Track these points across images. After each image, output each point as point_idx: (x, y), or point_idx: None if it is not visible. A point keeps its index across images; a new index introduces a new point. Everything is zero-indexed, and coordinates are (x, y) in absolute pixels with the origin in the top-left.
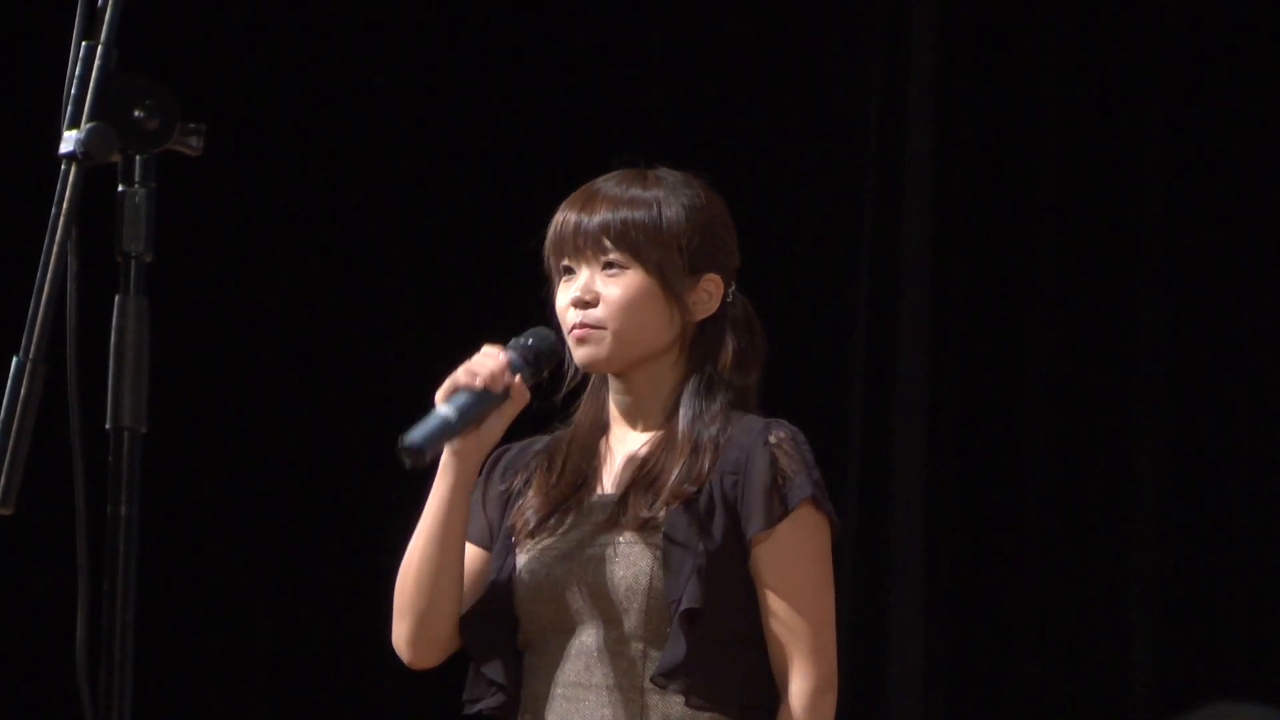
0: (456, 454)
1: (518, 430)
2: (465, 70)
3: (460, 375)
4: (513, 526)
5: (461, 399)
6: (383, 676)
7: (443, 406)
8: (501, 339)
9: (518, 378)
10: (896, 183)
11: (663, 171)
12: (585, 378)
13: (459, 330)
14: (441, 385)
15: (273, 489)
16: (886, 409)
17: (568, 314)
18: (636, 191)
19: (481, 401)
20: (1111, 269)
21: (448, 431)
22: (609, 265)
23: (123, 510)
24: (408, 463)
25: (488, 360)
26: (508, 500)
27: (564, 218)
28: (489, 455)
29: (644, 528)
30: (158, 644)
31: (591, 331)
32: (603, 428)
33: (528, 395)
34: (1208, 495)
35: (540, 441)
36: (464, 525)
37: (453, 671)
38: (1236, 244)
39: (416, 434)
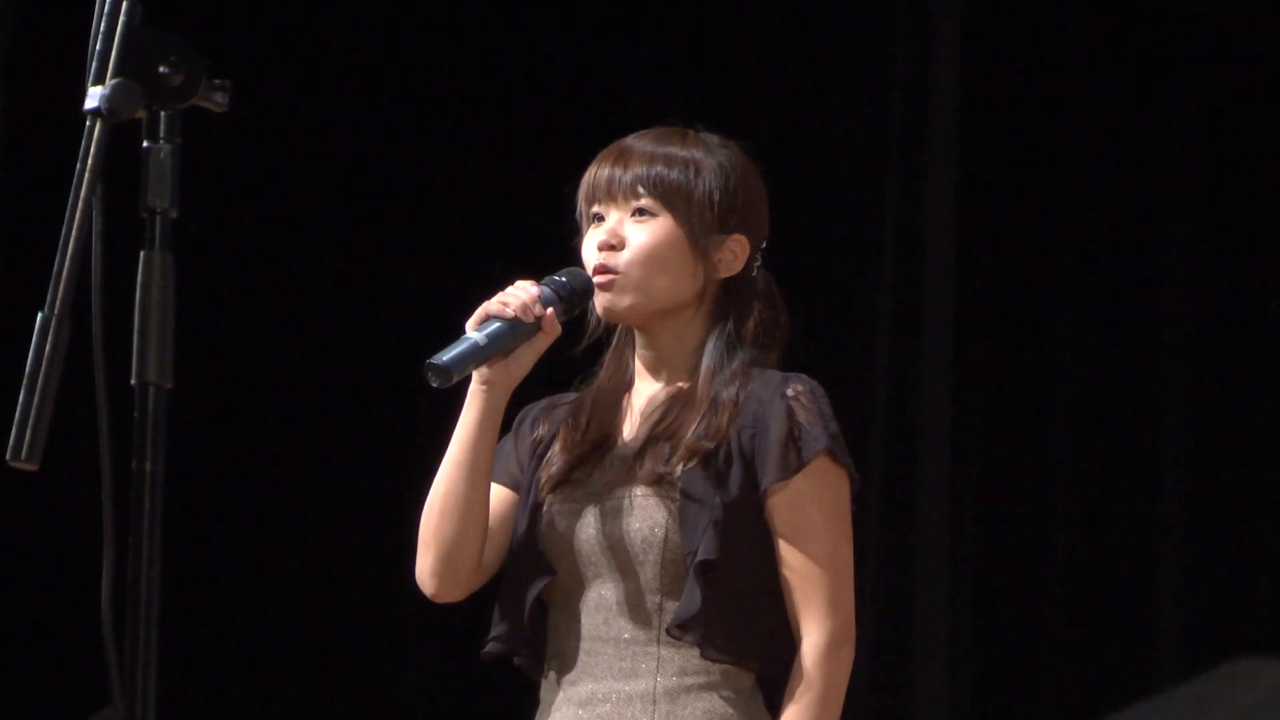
0: (485, 383)
1: (542, 389)
2: (493, 31)
3: (492, 304)
4: (538, 480)
5: (492, 326)
6: (409, 623)
7: (473, 332)
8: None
9: (550, 310)
10: (921, 147)
11: (703, 134)
12: (609, 331)
13: (486, 284)
14: (473, 314)
15: (298, 443)
16: (911, 373)
17: (592, 256)
18: (674, 149)
19: (512, 330)
20: (1135, 239)
21: (476, 355)
22: (639, 212)
23: (148, 466)
24: (435, 382)
25: (520, 291)
26: (535, 450)
27: (599, 167)
28: (517, 413)
29: (659, 482)
30: (183, 599)
31: (613, 278)
32: (627, 384)
33: (559, 328)
34: (1234, 455)
35: (567, 397)
36: (490, 457)
37: (479, 615)
38: (1265, 235)
39: (445, 354)
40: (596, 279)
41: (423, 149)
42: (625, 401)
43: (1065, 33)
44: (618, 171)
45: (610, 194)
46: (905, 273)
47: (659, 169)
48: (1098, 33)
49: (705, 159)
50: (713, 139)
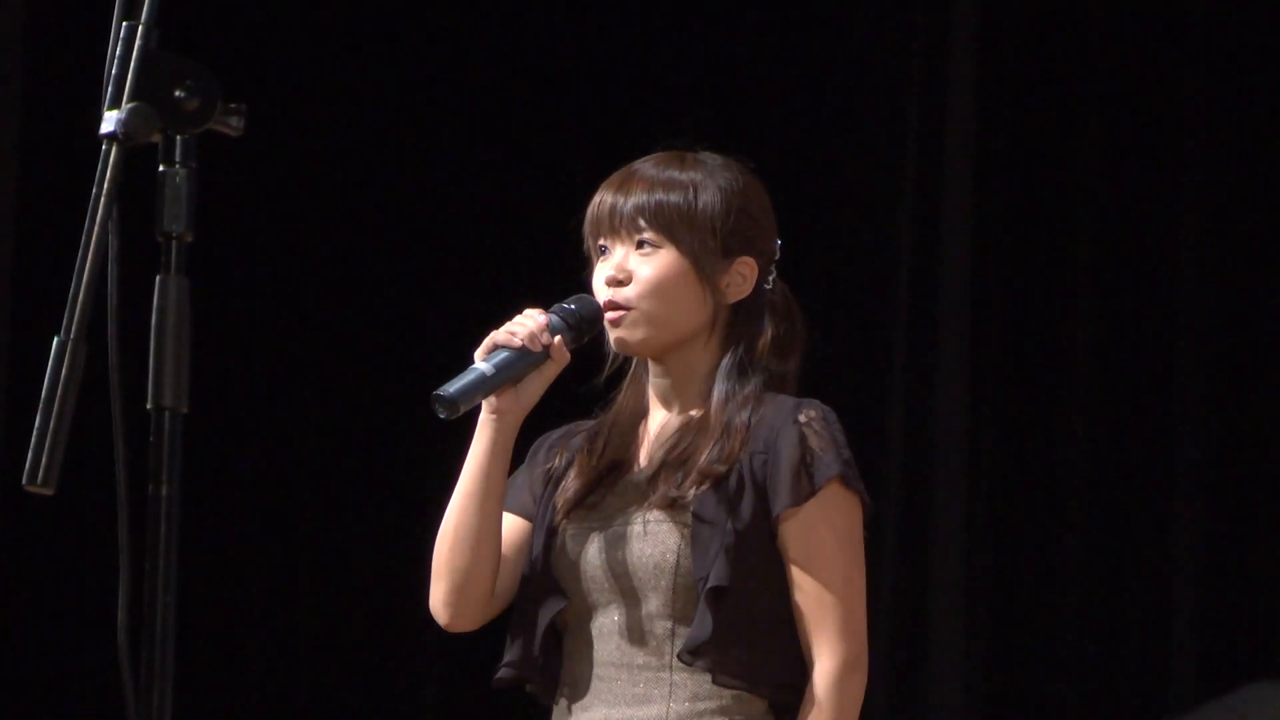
0: (494, 412)
1: (562, 416)
2: (507, 50)
3: (499, 334)
4: (553, 506)
5: (500, 356)
6: (422, 650)
7: (480, 362)
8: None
9: (558, 339)
10: (936, 167)
11: (703, 155)
12: (627, 363)
13: (497, 310)
14: (481, 344)
15: (313, 468)
16: (927, 396)
17: (601, 292)
18: (673, 173)
19: (520, 359)
20: (1152, 250)
21: (483, 385)
22: (642, 245)
23: (164, 490)
24: (442, 413)
25: (528, 320)
26: (549, 479)
27: (601, 198)
28: (529, 441)
29: (672, 506)
30: (198, 623)
31: (623, 314)
32: (642, 411)
33: (568, 356)
34: (1249, 477)
35: (585, 425)
36: (502, 486)
37: (491, 641)
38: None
39: (451, 386)
40: (607, 314)
41: (435, 177)
42: (641, 429)
43: (1082, 40)
44: (619, 201)
45: (613, 227)
46: (920, 293)
47: (659, 196)
48: (1113, 43)
49: (705, 182)
50: (714, 159)
